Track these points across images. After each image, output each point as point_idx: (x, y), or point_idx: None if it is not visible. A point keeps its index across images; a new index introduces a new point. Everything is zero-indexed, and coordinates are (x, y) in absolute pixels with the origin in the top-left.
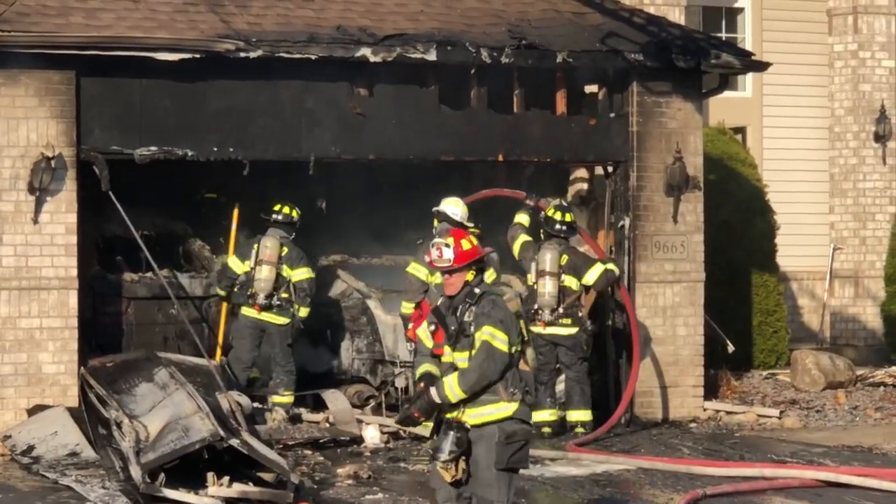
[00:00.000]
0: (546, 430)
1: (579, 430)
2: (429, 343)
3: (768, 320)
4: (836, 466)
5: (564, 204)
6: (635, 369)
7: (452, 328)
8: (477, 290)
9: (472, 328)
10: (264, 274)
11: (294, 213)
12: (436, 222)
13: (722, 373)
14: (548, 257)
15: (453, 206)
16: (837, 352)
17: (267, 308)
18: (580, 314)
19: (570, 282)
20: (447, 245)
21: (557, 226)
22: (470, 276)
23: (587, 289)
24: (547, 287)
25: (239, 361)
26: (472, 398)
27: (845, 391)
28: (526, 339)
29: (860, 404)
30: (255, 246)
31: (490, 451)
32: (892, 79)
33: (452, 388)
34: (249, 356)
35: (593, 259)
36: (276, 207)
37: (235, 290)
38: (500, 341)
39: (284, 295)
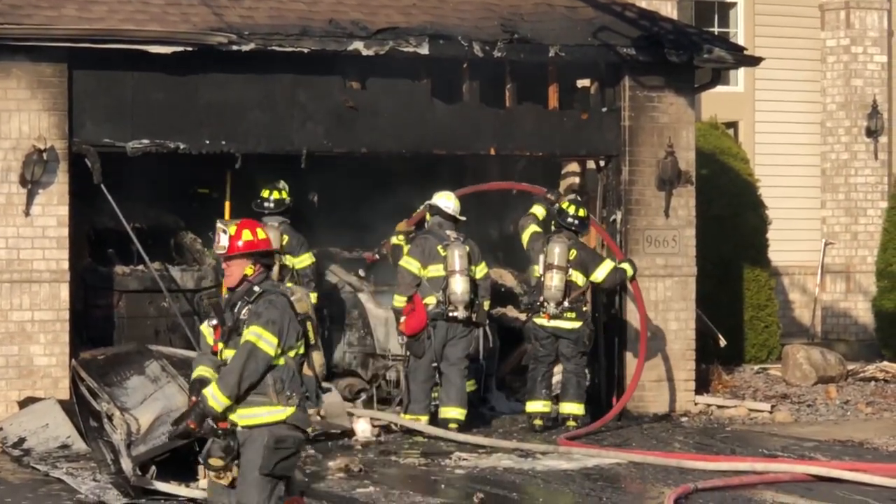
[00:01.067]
0: (538, 421)
1: (571, 423)
2: (210, 339)
3: (760, 315)
4: (827, 461)
5: (580, 199)
6: (640, 366)
7: (228, 325)
8: (257, 288)
9: (244, 326)
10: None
11: (285, 195)
12: (428, 216)
13: (713, 367)
14: (556, 251)
15: (445, 200)
16: (829, 346)
17: None
18: (584, 308)
19: (576, 276)
20: (224, 231)
21: (570, 219)
22: (249, 269)
23: (593, 285)
24: (554, 281)
25: None
26: (241, 399)
27: (836, 386)
28: (312, 342)
29: (851, 399)
30: None
31: (257, 453)
32: (884, 74)
33: (215, 396)
34: None
35: (602, 256)
36: (266, 194)
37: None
38: (267, 342)
39: (289, 284)
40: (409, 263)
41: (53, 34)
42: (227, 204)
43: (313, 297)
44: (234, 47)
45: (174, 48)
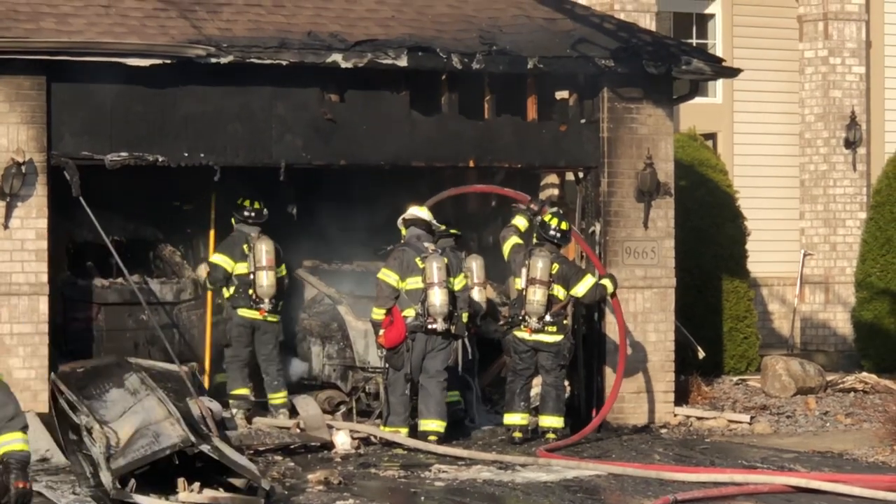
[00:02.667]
0: (517, 434)
1: (550, 435)
2: None
3: (739, 326)
4: (807, 472)
5: (561, 212)
6: (618, 378)
7: None
8: None
9: None
10: (270, 280)
11: (262, 206)
12: (403, 230)
13: (692, 378)
14: (539, 265)
15: (419, 211)
16: (808, 357)
17: (273, 311)
18: (565, 322)
19: (558, 291)
20: None
21: (552, 231)
22: None
23: (574, 299)
24: (536, 296)
25: (237, 359)
26: None
27: (816, 397)
28: None
29: (830, 410)
30: (245, 247)
31: None
32: (862, 85)
33: None
34: (246, 352)
35: (583, 270)
36: (246, 203)
37: (231, 290)
38: None
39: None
40: (387, 276)
41: (32, 47)
42: (211, 218)
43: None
44: (213, 60)
45: (152, 61)
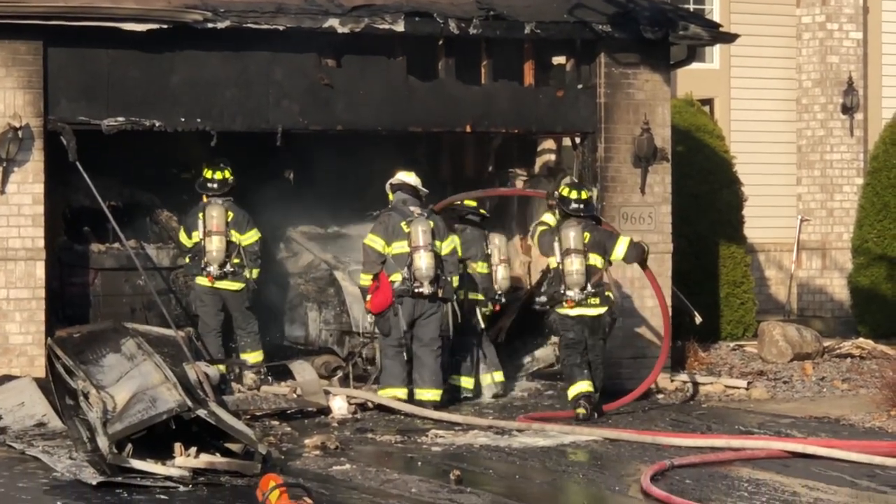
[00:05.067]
0: (581, 410)
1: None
2: None
3: (735, 292)
4: (804, 437)
5: (577, 181)
6: (666, 345)
7: None
8: None
9: None
10: (215, 245)
11: (228, 175)
12: (391, 195)
13: (689, 344)
14: (571, 234)
15: (406, 175)
16: (805, 323)
17: (221, 277)
18: (607, 293)
19: (594, 259)
20: None
21: (574, 205)
22: None
23: (615, 263)
24: (574, 265)
25: (207, 327)
26: None
27: (812, 362)
28: None
29: (827, 375)
30: (201, 215)
31: None
32: (859, 50)
33: None
34: (216, 321)
35: (616, 233)
36: (209, 174)
37: (187, 260)
38: None
39: (236, 261)
40: (373, 241)
41: (28, 11)
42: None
43: (256, 272)
44: (210, 25)
45: (149, 25)
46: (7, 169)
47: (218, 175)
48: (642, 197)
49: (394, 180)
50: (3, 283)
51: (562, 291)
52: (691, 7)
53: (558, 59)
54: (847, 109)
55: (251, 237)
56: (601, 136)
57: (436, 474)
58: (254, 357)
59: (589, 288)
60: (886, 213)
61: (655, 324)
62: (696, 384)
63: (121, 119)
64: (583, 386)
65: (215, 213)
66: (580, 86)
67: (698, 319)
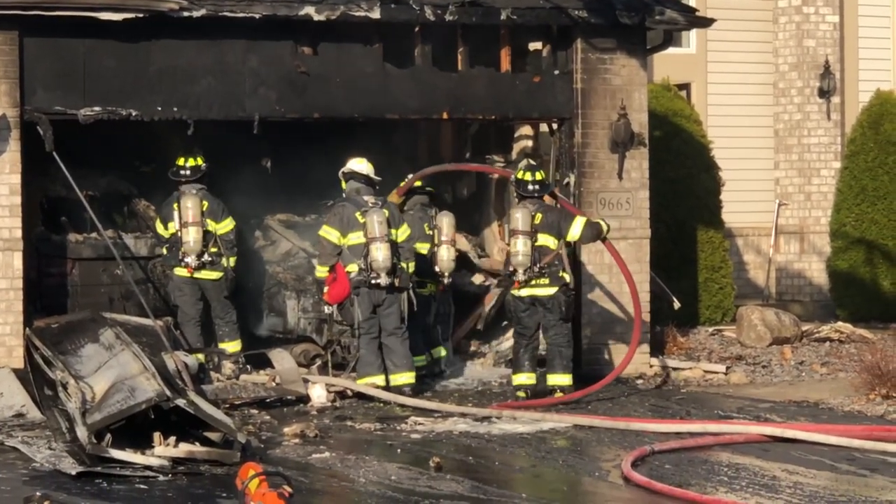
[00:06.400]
0: (521, 394)
1: (558, 394)
2: None
3: (714, 276)
4: (783, 422)
5: (533, 163)
6: (637, 331)
7: None
8: None
9: None
10: (192, 235)
11: (201, 162)
12: (344, 184)
13: (668, 329)
14: (518, 216)
15: (359, 164)
16: (783, 307)
17: (200, 267)
18: (560, 274)
19: (545, 240)
20: None
21: (530, 186)
22: None
23: (571, 244)
24: (518, 246)
25: (186, 316)
26: None
27: (791, 347)
28: None
29: (806, 360)
30: (175, 206)
31: None
32: (836, 34)
33: None
34: (195, 310)
35: (573, 214)
36: (181, 162)
37: (164, 251)
38: None
39: (213, 250)
40: (328, 233)
41: (4, 1)
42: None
43: (233, 261)
44: (185, 13)
45: (125, 15)
46: None
47: (190, 162)
48: (620, 182)
49: (345, 169)
50: None
51: (510, 273)
52: None
53: (535, 45)
54: (824, 93)
55: (226, 226)
56: (578, 122)
57: (415, 461)
58: (232, 347)
59: (535, 269)
60: (864, 196)
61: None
62: (675, 369)
63: (97, 108)
64: (521, 378)
65: (190, 204)
66: (557, 71)
67: (677, 305)
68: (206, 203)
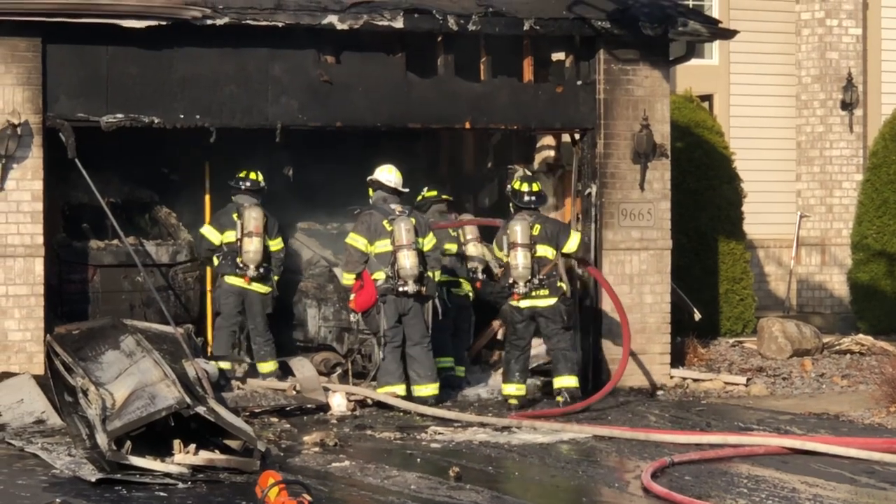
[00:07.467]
0: (513, 401)
1: (559, 398)
2: None
3: (735, 288)
4: (803, 434)
5: (529, 174)
6: (626, 343)
7: None
8: None
9: None
10: (255, 246)
11: (260, 179)
12: (371, 192)
13: (688, 340)
14: (518, 229)
15: (387, 173)
16: (804, 319)
17: (256, 279)
18: (559, 284)
19: (544, 251)
20: None
21: (526, 197)
22: None
23: (567, 256)
24: (519, 259)
25: (225, 323)
26: None
27: (812, 359)
28: None
29: (827, 372)
30: (235, 215)
31: None
32: (859, 46)
33: None
34: (235, 320)
35: (569, 226)
36: (243, 174)
37: (218, 259)
38: None
39: (265, 264)
40: (355, 240)
41: (28, 8)
42: (206, 185)
43: (276, 278)
44: (209, 21)
45: (148, 22)
46: (6, 166)
47: (252, 176)
48: (641, 193)
49: (373, 177)
50: (1, 280)
51: (510, 283)
52: (690, 3)
53: (557, 56)
54: (846, 105)
55: (278, 244)
56: (600, 133)
57: (435, 471)
58: (268, 367)
59: (535, 280)
60: (886, 209)
61: (653, 320)
62: (695, 380)
63: (120, 116)
64: (510, 389)
65: (255, 215)
66: (579, 82)
67: (697, 316)
68: (266, 218)
